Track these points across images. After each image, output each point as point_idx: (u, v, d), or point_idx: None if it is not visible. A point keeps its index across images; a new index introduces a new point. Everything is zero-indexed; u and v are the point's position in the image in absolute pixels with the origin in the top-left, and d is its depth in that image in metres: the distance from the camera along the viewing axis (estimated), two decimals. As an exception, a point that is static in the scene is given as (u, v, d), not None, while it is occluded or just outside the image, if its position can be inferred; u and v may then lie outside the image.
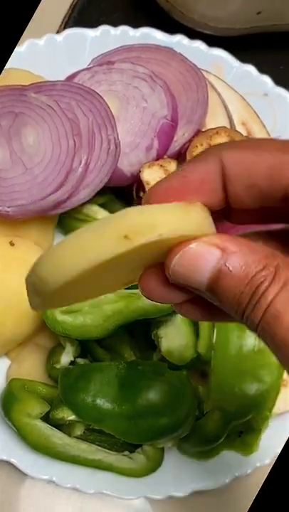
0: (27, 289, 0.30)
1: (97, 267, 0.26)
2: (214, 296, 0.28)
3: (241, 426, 0.61)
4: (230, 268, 0.27)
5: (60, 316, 0.57)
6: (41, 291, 0.28)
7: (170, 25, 0.73)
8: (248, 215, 0.31)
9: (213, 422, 0.59)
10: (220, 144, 0.30)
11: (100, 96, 0.63)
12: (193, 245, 0.27)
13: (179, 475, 0.62)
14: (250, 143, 0.29)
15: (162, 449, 0.60)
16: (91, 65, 0.68)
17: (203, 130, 0.63)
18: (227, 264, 0.27)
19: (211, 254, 0.27)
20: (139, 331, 0.64)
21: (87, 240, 0.26)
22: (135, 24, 0.71)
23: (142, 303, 0.57)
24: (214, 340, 0.60)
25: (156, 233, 0.26)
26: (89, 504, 0.64)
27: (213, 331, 0.60)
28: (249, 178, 0.28)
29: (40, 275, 0.27)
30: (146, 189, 0.59)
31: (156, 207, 0.27)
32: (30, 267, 0.29)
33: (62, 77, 0.67)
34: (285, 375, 0.61)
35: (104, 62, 0.67)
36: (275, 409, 0.61)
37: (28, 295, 0.30)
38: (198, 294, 0.29)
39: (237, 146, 0.29)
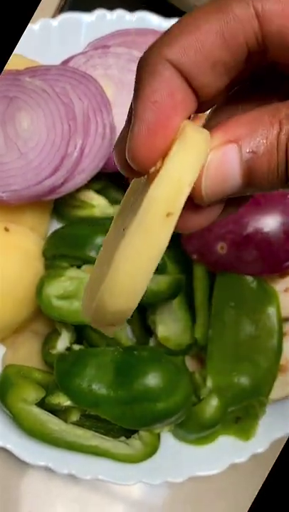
0: (98, 326, 0.29)
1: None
2: (252, 187, 0.27)
3: (238, 411, 0.61)
4: (255, 150, 0.25)
5: (56, 302, 0.57)
6: (120, 320, 0.28)
7: (166, 10, 0.73)
8: (215, 97, 0.28)
9: (210, 407, 0.59)
10: (157, 46, 0.26)
11: (95, 80, 0.62)
12: (209, 158, 0.26)
13: (175, 461, 0.62)
14: (184, 30, 0.26)
15: (159, 435, 0.60)
16: (86, 50, 0.67)
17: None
18: (250, 150, 0.25)
19: (229, 153, 0.26)
20: (135, 317, 0.63)
21: (137, 248, 0.25)
22: (131, 8, 0.71)
23: (137, 288, 0.57)
24: (211, 326, 0.59)
25: (187, 186, 0.25)
26: (86, 490, 0.64)
27: (210, 316, 0.60)
28: (206, 60, 0.26)
29: (115, 309, 0.27)
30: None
31: (164, 167, 0.25)
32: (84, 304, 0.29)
33: (58, 63, 0.66)
34: (282, 360, 0.61)
35: (100, 46, 0.66)
36: (273, 395, 0.61)
37: (101, 328, 0.30)
38: (234, 197, 0.28)
39: (175, 42, 0.26)
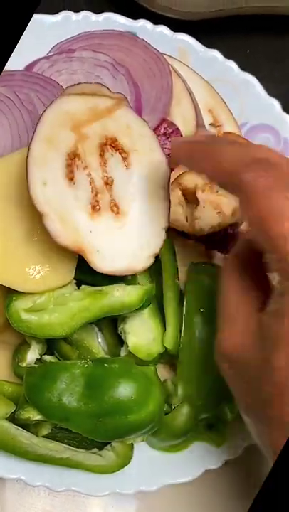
0: None
1: None
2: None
3: (210, 418, 0.61)
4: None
5: (25, 315, 0.56)
6: None
7: (133, 10, 0.71)
8: None
9: (182, 415, 0.59)
10: None
11: (61, 86, 0.61)
12: None
13: (149, 469, 0.62)
14: None
15: (132, 445, 0.60)
16: (51, 53, 0.65)
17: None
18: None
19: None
20: (107, 326, 0.63)
21: None
22: (97, 9, 0.69)
23: (107, 300, 0.56)
24: (181, 334, 0.59)
25: None
26: (59, 501, 0.64)
27: (181, 325, 0.59)
28: None
29: None
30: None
31: None
32: None
33: (22, 66, 0.64)
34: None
35: (65, 50, 0.65)
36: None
37: None
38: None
39: None
